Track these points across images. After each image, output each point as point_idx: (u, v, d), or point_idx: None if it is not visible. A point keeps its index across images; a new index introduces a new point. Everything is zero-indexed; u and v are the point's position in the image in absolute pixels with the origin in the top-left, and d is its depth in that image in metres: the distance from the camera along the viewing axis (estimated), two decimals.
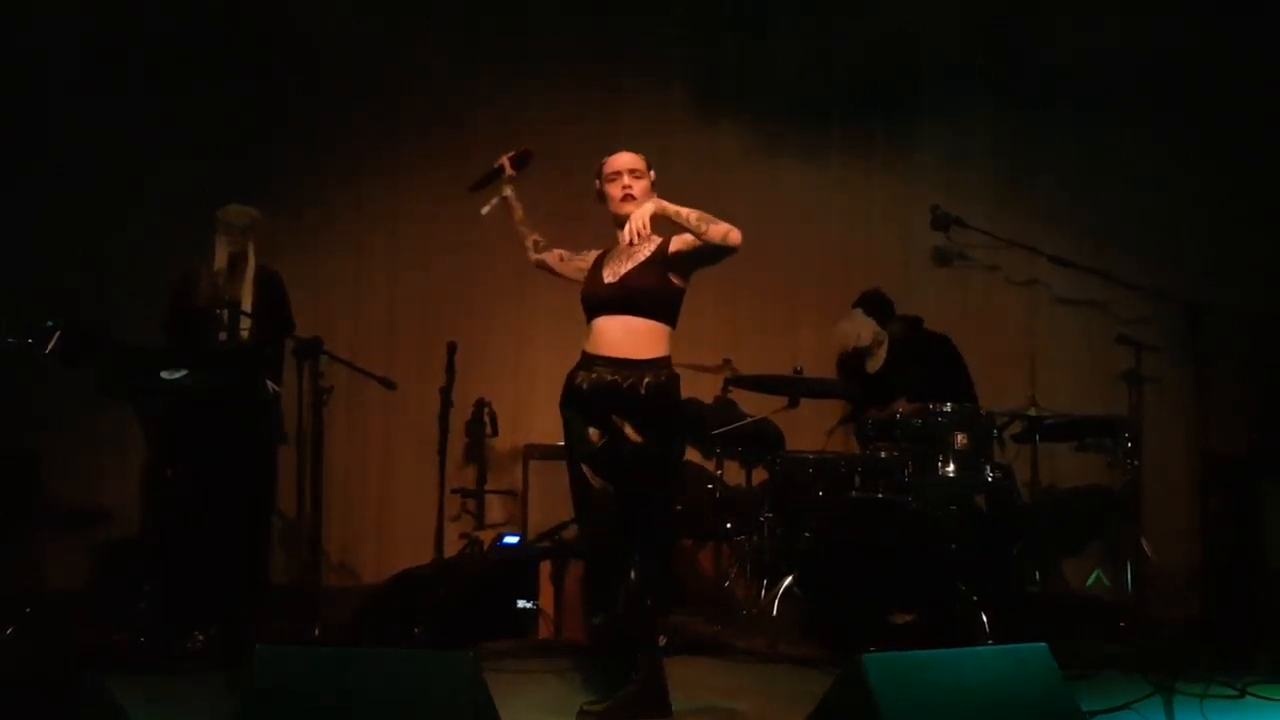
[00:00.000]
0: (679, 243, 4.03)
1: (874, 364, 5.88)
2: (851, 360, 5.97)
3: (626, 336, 4.02)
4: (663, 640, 4.11)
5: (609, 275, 4.13)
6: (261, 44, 6.55)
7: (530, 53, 6.62)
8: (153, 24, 6.48)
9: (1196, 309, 5.43)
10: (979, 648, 3.05)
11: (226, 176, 6.13)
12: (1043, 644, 3.08)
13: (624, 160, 4.18)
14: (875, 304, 5.93)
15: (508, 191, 4.37)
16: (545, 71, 6.60)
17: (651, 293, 4.05)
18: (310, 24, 6.57)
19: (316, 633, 4.95)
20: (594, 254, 4.31)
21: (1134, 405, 5.85)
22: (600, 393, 4.02)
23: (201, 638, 4.89)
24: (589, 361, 4.09)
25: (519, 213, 4.42)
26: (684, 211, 3.88)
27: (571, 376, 4.15)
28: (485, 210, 4.32)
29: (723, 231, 3.87)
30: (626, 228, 3.86)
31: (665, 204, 3.89)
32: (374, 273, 6.60)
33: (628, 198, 4.09)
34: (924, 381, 5.65)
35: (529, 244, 4.43)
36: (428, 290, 6.55)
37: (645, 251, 4.10)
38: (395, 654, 2.95)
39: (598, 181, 4.23)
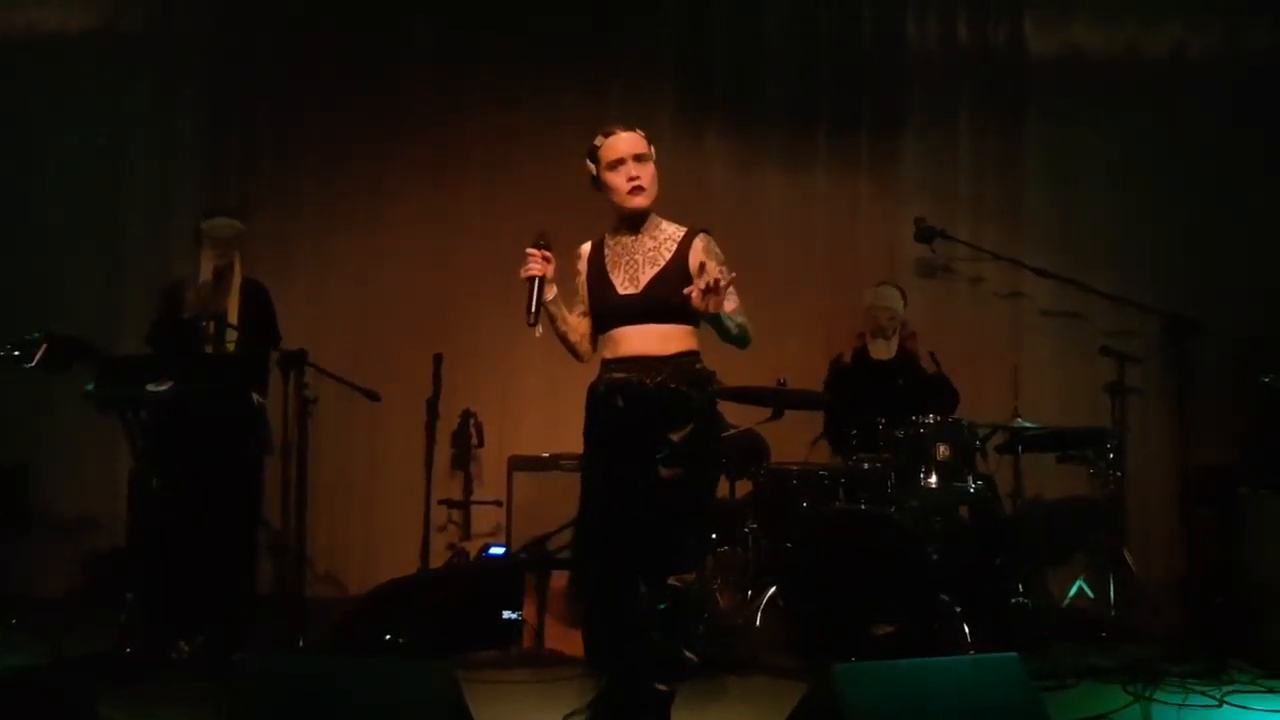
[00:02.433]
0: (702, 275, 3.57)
1: (886, 350, 5.89)
2: (854, 373, 5.98)
3: (650, 339, 3.64)
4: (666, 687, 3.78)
5: (625, 283, 3.68)
6: (248, 56, 6.56)
7: (519, 62, 6.64)
8: (141, 32, 6.51)
9: (1179, 321, 5.48)
10: (950, 657, 3.06)
11: (211, 189, 6.16)
12: (1014, 654, 3.10)
13: (627, 144, 3.67)
14: (898, 287, 5.98)
15: (551, 294, 3.69)
16: (533, 81, 6.63)
17: (680, 302, 3.53)
18: (297, 34, 6.60)
19: (301, 643, 4.98)
20: (584, 252, 3.83)
21: (1117, 417, 5.88)
22: (626, 395, 3.64)
23: (187, 647, 4.91)
24: (608, 368, 3.71)
25: (562, 312, 3.80)
26: (737, 318, 3.60)
27: (591, 390, 3.76)
28: (540, 330, 3.65)
29: (745, 343, 3.71)
30: (704, 299, 3.37)
31: (727, 304, 3.51)
32: (361, 284, 6.60)
33: (636, 189, 3.65)
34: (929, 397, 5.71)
35: (579, 339, 3.83)
36: (415, 301, 6.56)
37: (665, 254, 3.68)
38: (373, 663, 2.98)
39: (593, 166, 3.74)
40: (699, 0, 6.74)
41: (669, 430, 3.60)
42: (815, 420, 6.21)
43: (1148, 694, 4.36)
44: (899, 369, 5.90)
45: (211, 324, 5.27)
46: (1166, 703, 4.30)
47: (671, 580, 3.63)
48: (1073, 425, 5.80)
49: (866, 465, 5.39)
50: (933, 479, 5.27)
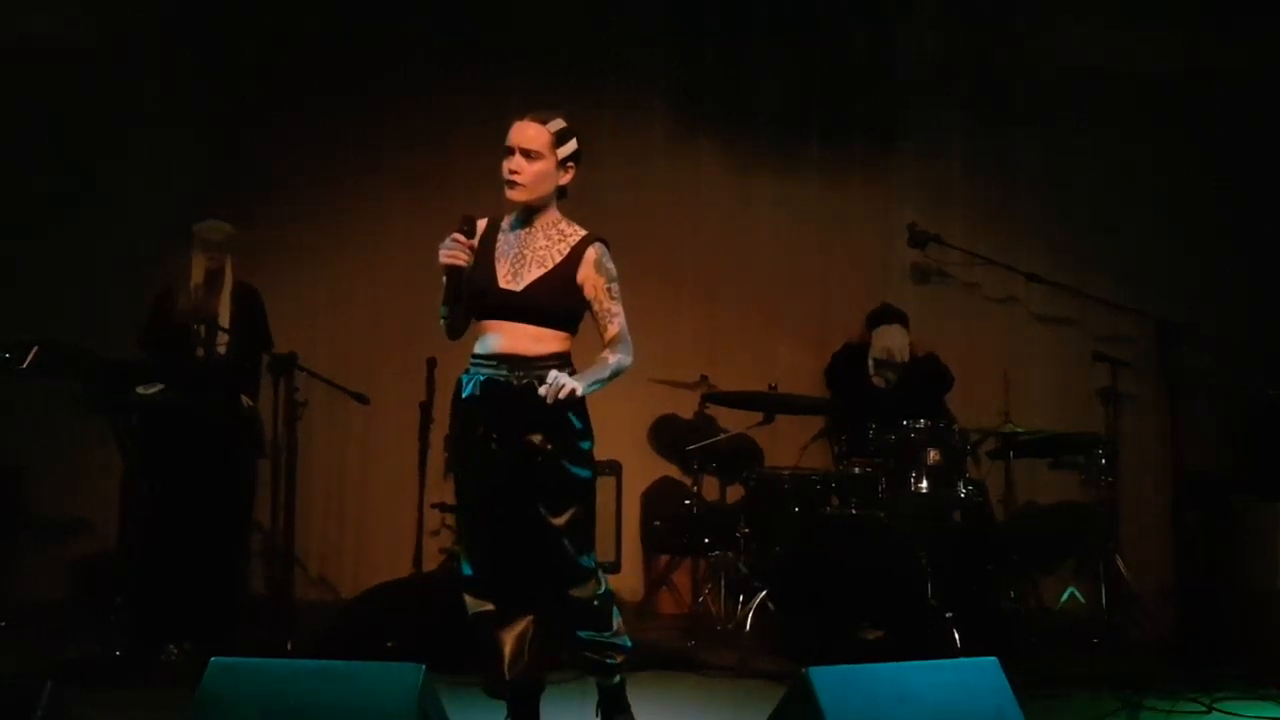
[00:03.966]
0: (590, 287, 3.52)
1: (891, 379, 5.89)
2: (856, 371, 5.97)
3: (522, 338, 3.47)
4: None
5: (507, 276, 3.50)
6: (241, 59, 6.57)
7: (512, 70, 6.64)
8: (134, 39, 6.51)
9: (1171, 327, 5.47)
10: (928, 661, 3.05)
11: (204, 191, 6.17)
12: (993, 658, 3.09)
13: (519, 134, 3.50)
14: (906, 323, 5.96)
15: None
16: (526, 88, 6.61)
17: (561, 309, 3.50)
18: (291, 39, 6.62)
19: (290, 646, 4.97)
20: (480, 226, 3.60)
21: (1110, 422, 5.88)
22: (492, 395, 3.46)
23: (176, 650, 4.92)
24: (476, 362, 3.52)
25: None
26: (604, 373, 3.45)
27: (456, 390, 3.57)
28: (444, 310, 3.55)
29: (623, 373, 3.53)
30: (545, 389, 3.23)
31: (581, 385, 3.32)
32: (354, 287, 6.62)
33: (509, 184, 3.49)
34: (930, 402, 5.72)
35: (464, 319, 3.61)
36: (408, 304, 6.56)
37: (554, 256, 3.52)
38: (345, 667, 2.96)
39: None
40: (692, 8, 6.75)
41: (534, 433, 3.45)
42: (807, 425, 6.22)
43: (1138, 700, 4.35)
44: (899, 397, 5.88)
45: (203, 327, 5.29)
46: (1157, 709, 4.29)
47: (573, 592, 3.53)
48: (1065, 431, 5.80)
49: (858, 470, 5.40)
50: (924, 484, 5.27)
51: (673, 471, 6.28)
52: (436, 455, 6.19)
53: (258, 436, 5.47)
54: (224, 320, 5.34)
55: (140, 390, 4.90)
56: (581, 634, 3.59)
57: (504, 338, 3.47)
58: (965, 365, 6.19)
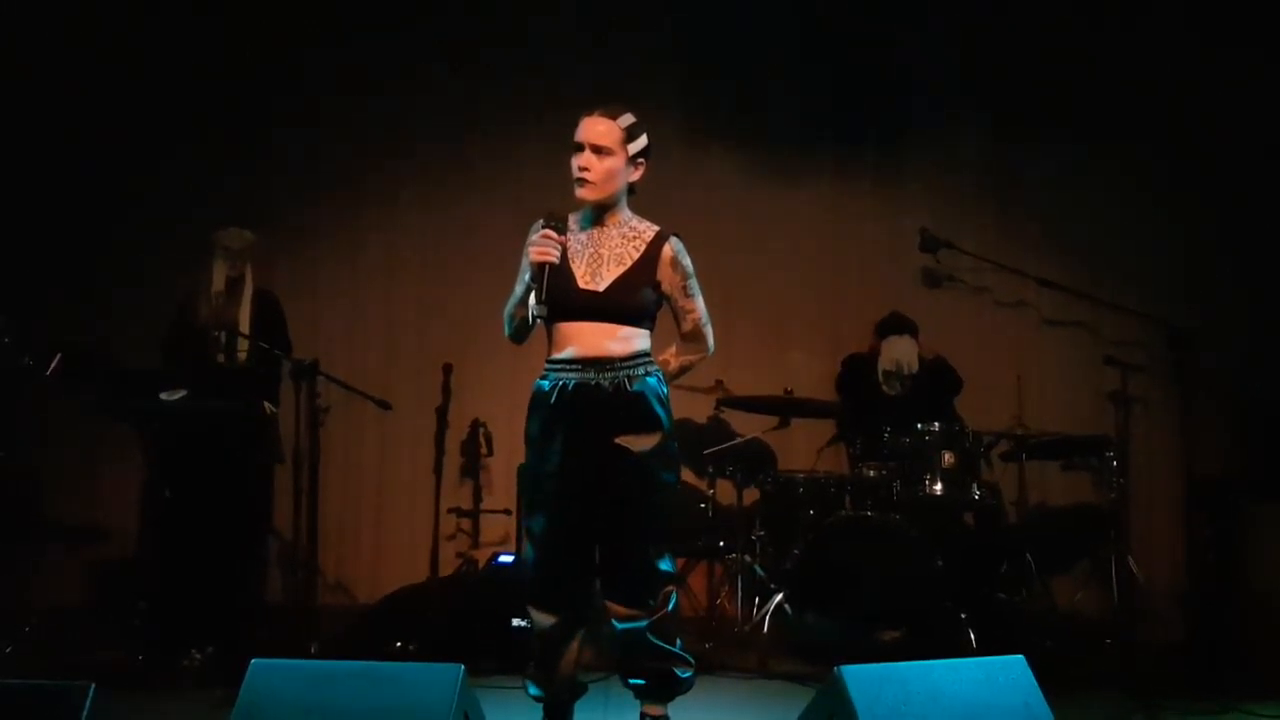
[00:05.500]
0: (667, 284, 3.51)
1: (900, 389, 5.93)
2: (867, 378, 6.01)
3: (605, 338, 3.42)
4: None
5: (586, 277, 3.44)
6: (258, 66, 6.59)
7: (525, 75, 6.70)
8: (151, 46, 6.54)
9: (1180, 330, 5.50)
10: (956, 659, 3.09)
11: (224, 199, 6.21)
12: (1020, 656, 3.13)
13: (589, 130, 3.42)
14: (916, 333, 6.00)
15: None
16: (540, 93, 6.68)
17: (641, 307, 3.46)
18: (307, 47, 6.66)
19: (313, 651, 5.01)
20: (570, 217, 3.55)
21: (1120, 425, 5.91)
22: (582, 398, 3.41)
23: (199, 656, 4.95)
24: (557, 366, 3.46)
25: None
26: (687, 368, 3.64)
27: (536, 395, 3.49)
28: (538, 309, 3.43)
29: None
30: None
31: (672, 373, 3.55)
32: (371, 294, 6.66)
33: (579, 181, 3.42)
34: (938, 405, 5.78)
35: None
36: (424, 311, 6.62)
37: (631, 254, 3.47)
38: (385, 667, 2.99)
39: None
40: (703, 16, 6.79)
41: (627, 435, 3.41)
42: (822, 428, 6.27)
43: (1150, 703, 4.37)
44: (910, 403, 5.92)
45: (223, 334, 5.34)
46: (1171, 710, 4.32)
47: (650, 599, 3.46)
48: (1077, 433, 5.84)
49: (872, 473, 5.45)
50: (938, 487, 5.32)
51: (687, 475, 6.32)
52: (452, 460, 6.25)
53: (277, 442, 5.51)
54: (244, 327, 5.40)
55: (164, 396, 4.94)
56: (652, 638, 3.48)
57: (588, 339, 3.42)
58: (977, 369, 6.23)
